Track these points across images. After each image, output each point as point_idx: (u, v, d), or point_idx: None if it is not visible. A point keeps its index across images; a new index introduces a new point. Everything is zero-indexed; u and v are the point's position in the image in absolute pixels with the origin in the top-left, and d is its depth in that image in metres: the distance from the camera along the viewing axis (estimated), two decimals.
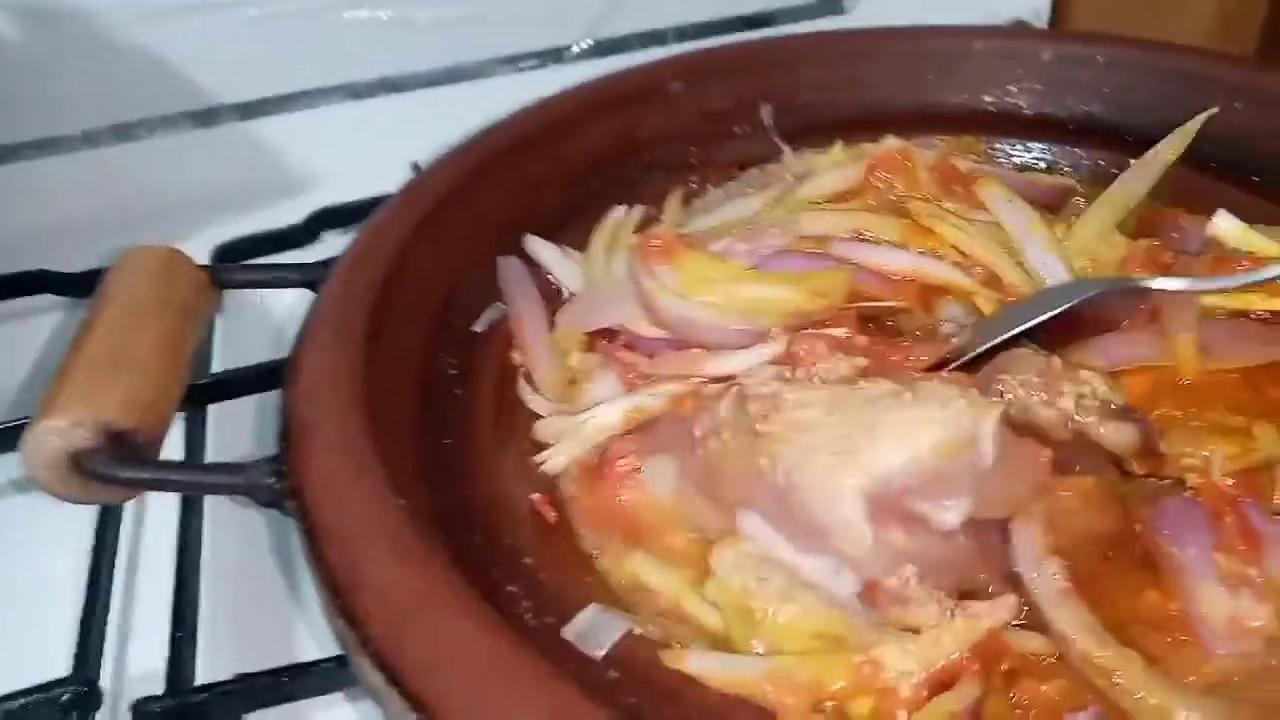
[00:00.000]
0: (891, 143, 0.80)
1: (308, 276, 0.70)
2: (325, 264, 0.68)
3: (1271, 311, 0.65)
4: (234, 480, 0.53)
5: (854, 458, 0.51)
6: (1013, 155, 0.86)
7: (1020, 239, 0.67)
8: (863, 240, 0.69)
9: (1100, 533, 0.53)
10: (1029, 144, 0.86)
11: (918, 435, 0.50)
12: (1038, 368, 0.54)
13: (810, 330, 0.59)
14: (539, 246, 0.73)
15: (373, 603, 0.44)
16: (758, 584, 0.51)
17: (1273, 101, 0.78)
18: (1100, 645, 0.49)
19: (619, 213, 0.77)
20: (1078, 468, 0.54)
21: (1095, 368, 0.57)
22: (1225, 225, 0.65)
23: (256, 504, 0.53)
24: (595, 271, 0.71)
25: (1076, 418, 0.54)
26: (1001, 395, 0.54)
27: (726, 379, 0.60)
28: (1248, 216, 0.72)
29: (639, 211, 0.77)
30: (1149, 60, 0.84)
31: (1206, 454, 0.54)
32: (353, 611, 0.45)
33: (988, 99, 0.88)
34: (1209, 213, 0.75)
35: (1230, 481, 0.53)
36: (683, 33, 1.23)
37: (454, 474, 0.58)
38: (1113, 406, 0.54)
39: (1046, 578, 0.50)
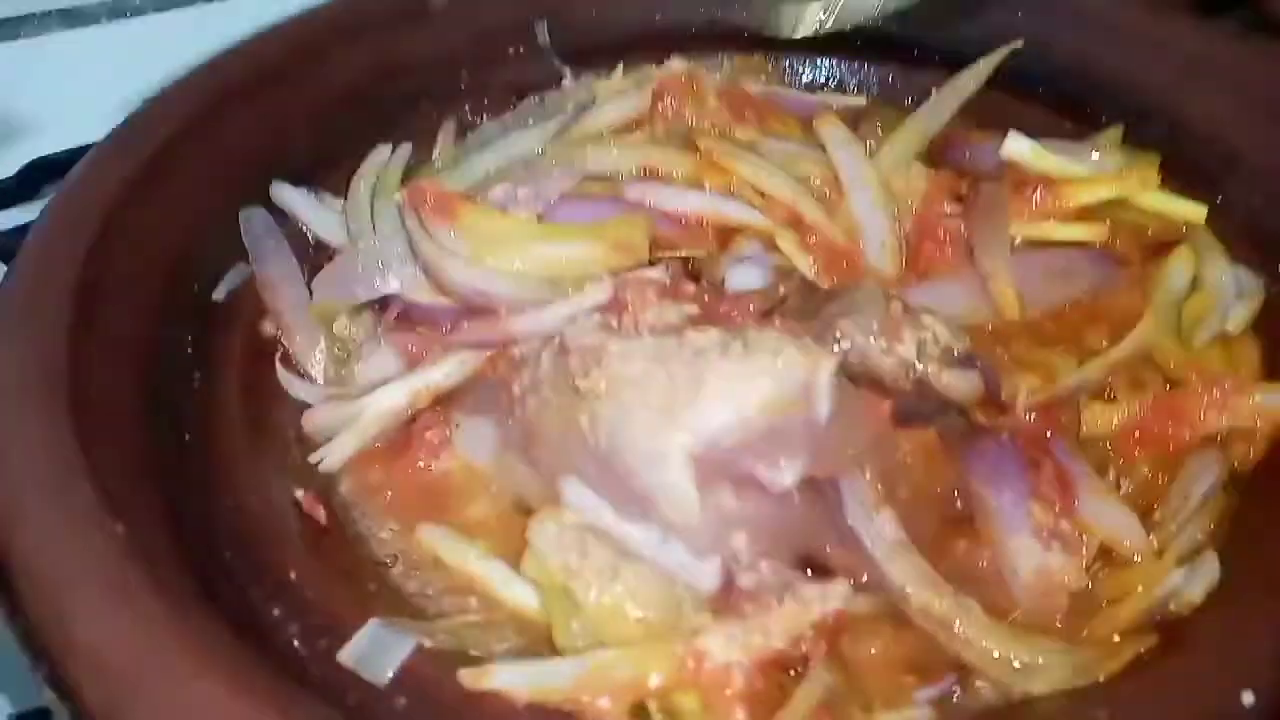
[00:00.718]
0: (677, 65, 0.74)
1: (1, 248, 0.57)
2: (19, 231, 0.57)
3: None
4: None
5: (679, 416, 0.46)
6: (802, 73, 0.82)
7: (850, 186, 0.63)
8: (653, 180, 0.62)
9: (938, 482, 0.50)
10: (818, 61, 0.82)
11: (748, 390, 0.46)
12: (878, 312, 0.50)
13: (636, 275, 0.53)
14: (289, 195, 0.63)
15: (87, 669, 0.36)
16: (580, 560, 0.46)
17: (1055, 8, 0.77)
18: (939, 596, 0.46)
19: (383, 153, 0.67)
20: (917, 418, 0.51)
21: (935, 312, 0.53)
22: (1018, 147, 0.63)
23: None
24: (360, 225, 0.61)
25: (918, 365, 0.50)
26: (838, 342, 0.50)
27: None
28: (1031, 129, 0.71)
29: (406, 151, 0.67)
30: None
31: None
32: (63, 682, 0.36)
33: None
34: (996, 128, 0.74)
35: (1033, 417, 0.52)
36: None
37: (196, 478, 0.49)
38: (955, 353, 0.50)
39: (879, 530, 0.47)
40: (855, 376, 0.50)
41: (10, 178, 0.85)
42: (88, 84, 0.94)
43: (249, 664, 0.38)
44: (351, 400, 0.54)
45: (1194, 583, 0.46)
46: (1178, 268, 0.62)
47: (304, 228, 0.64)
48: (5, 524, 0.40)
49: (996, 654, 0.45)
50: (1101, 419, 0.55)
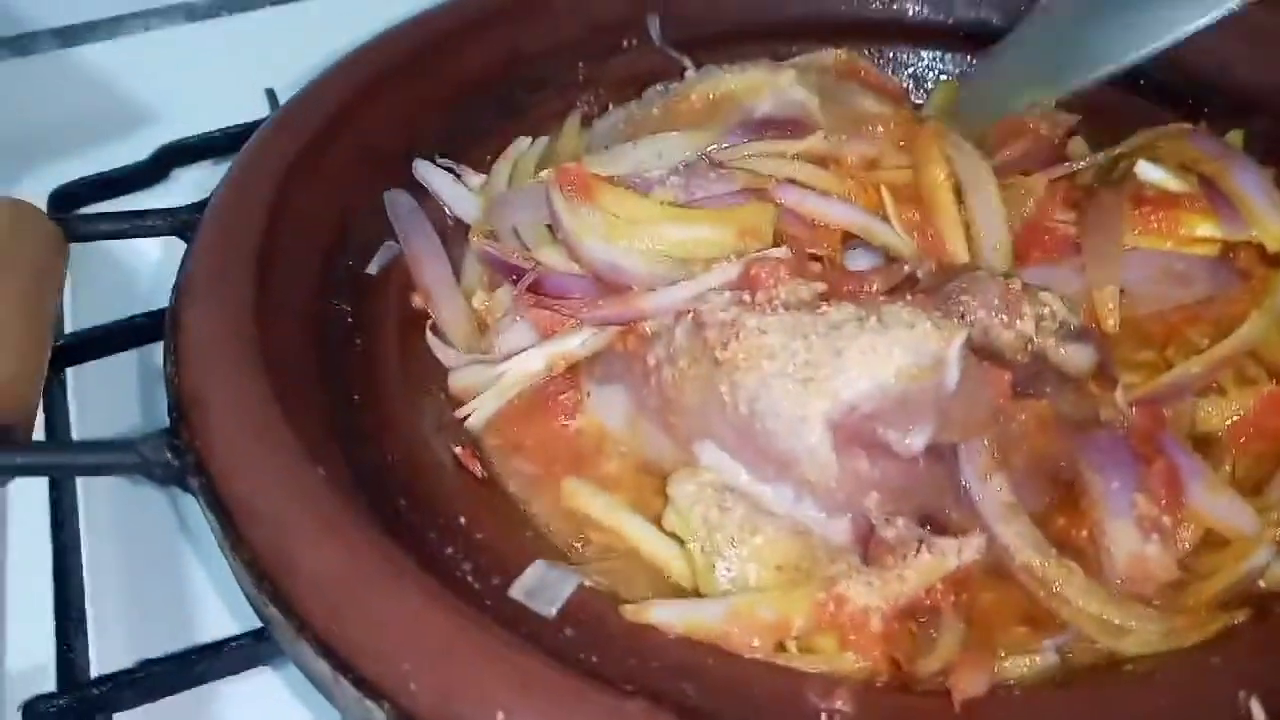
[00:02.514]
0: (830, 55, 0.77)
1: (174, 223, 0.63)
2: (194, 208, 0.62)
3: None
4: (125, 459, 0.47)
5: (820, 385, 0.49)
6: (904, 63, 0.85)
7: (968, 189, 0.64)
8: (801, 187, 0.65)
9: (1051, 454, 0.53)
10: (919, 50, 0.85)
11: (886, 360, 0.49)
12: (999, 290, 0.53)
13: (764, 254, 0.56)
14: (430, 173, 0.68)
15: (309, 587, 0.40)
16: (720, 514, 0.50)
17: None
18: (1042, 557, 0.50)
19: (522, 144, 0.72)
20: (1033, 390, 0.54)
21: (1051, 289, 0.56)
22: (1152, 174, 0.64)
23: (152, 482, 0.47)
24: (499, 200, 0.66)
25: (1036, 339, 0.53)
26: (963, 318, 0.53)
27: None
28: (1132, 120, 0.73)
29: (542, 144, 0.72)
30: None
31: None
32: (288, 598, 0.40)
33: (875, 5, 0.87)
34: (1100, 120, 0.76)
35: (1142, 413, 0.55)
36: None
37: (367, 434, 0.53)
38: (1071, 327, 0.53)
39: (991, 493, 0.50)
40: (977, 349, 0.52)
41: (144, 161, 0.91)
42: (209, 74, 1.01)
43: (438, 592, 0.42)
44: (493, 365, 0.58)
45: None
46: None
47: (445, 206, 0.68)
48: (223, 470, 0.45)
49: (1092, 614, 0.48)
50: (1215, 415, 0.57)
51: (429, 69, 0.73)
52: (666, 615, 0.46)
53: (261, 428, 0.46)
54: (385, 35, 0.74)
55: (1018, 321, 0.53)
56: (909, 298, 0.53)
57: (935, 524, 0.51)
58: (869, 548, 0.48)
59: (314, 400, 0.52)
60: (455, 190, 0.68)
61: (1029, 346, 0.53)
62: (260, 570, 0.42)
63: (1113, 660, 0.48)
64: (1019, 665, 0.47)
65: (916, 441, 0.49)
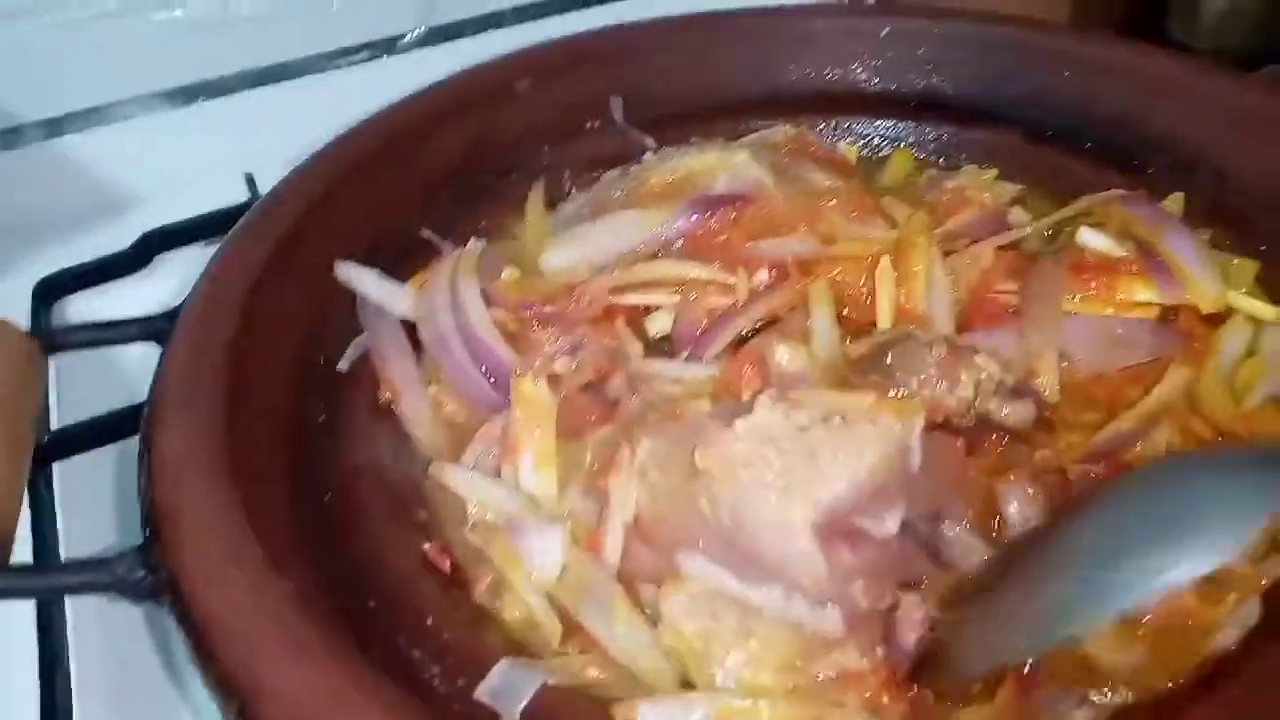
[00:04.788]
0: (781, 133, 0.80)
1: (149, 330, 0.65)
2: (168, 315, 0.64)
3: None
4: (99, 579, 0.49)
5: (800, 490, 0.51)
6: (860, 133, 0.88)
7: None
8: None
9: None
10: (874, 121, 0.88)
11: (858, 459, 0.51)
12: (935, 358, 0.56)
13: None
14: (355, 274, 0.68)
15: (275, 707, 0.42)
16: (714, 623, 0.51)
17: (1099, 66, 0.82)
18: None
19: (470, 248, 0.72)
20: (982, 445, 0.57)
21: (982, 348, 0.59)
22: (1094, 241, 0.67)
23: (128, 601, 0.49)
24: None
25: (978, 404, 0.55)
26: (907, 395, 0.55)
27: None
28: (1080, 183, 0.76)
29: (479, 246, 0.72)
30: (979, 33, 0.86)
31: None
32: (256, 718, 0.42)
33: (832, 78, 0.89)
34: (1049, 184, 0.79)
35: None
36: (522, 12, 1.19)
37: (338, 534, 0.55)
38: (1008, 386, 0.56)
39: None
40: (927, 421, 0.54)
41: (127, 248, 0.93)
42: (190, 159, 1.03)
43: (404, 702, 0.44)
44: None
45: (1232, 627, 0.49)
46: (1233, 333, 0.65)
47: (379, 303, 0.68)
48: (192, 587, 0.47)
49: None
50: None
51: (398, 161, 0.76)
52: (654, 715, 0.47)
53: (230, 542, 0.48)
54: (353, 130, 0.77)
55: (957, 388, 0.55)
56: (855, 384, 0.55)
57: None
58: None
59: (284, 507, 0.54)
60: (384, 287, 0.68)
61: (971, 410, 0.55)
62: (229, 689, 0.43)
63: None
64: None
65: (891, 524, 0.51)
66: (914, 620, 0.49)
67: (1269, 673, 0.46)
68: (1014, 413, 0.56)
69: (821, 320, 0.62)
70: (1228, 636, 0.49)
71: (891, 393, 0.55)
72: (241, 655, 0.44)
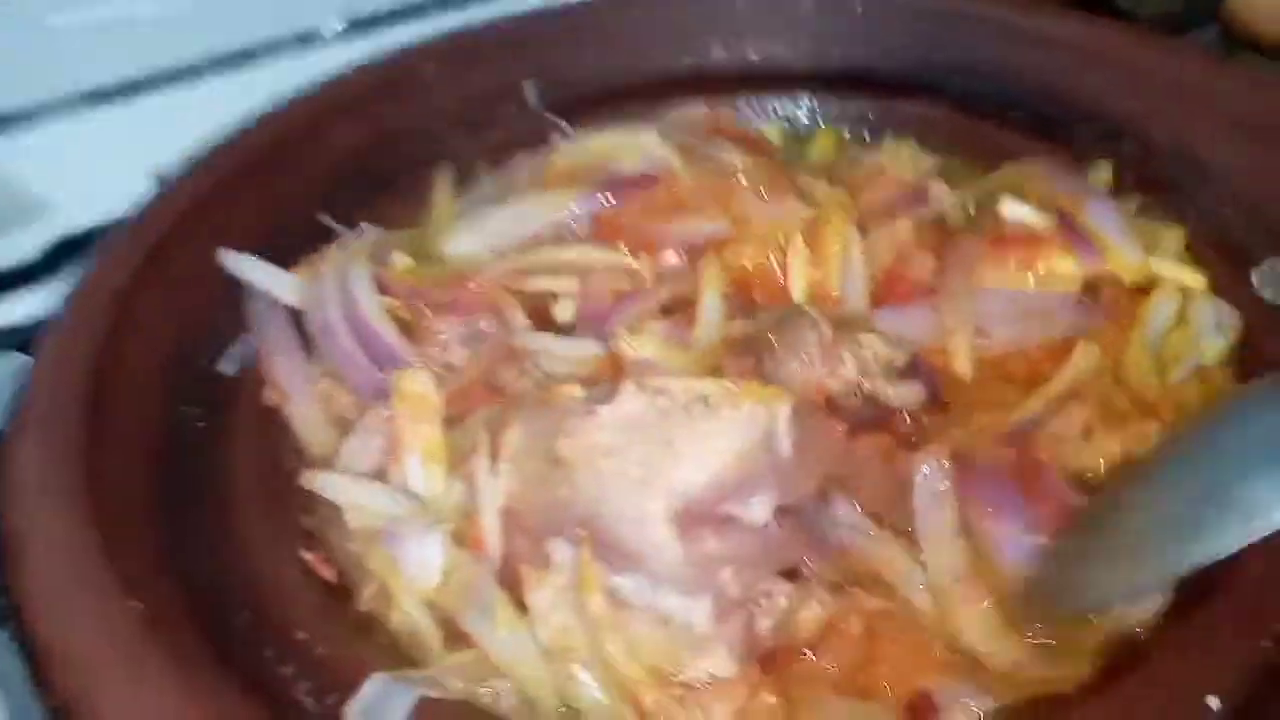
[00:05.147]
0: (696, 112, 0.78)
1: (19, 340, 0.61)
2: (38, 326, 0.60)
3: None
4: None
5: (657, 480, 0.49)
6: (785, 112, 0.85)
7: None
8: None
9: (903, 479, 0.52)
10: (800, 98, 0.85)
11: (716, 447, 0.49)
12: (815, 341, 0.53)
13: None
14: (239, 262, 0.64)
15: None
16: (578, 617, 0.49)
17: (1026, 39, 0.79)
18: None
19: (363, 234, 0.69)
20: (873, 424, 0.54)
21: (874, 327, 0.56)
22: (1017, 211, 0.64)
23: None
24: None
25: (864, 384, 0.53)
26: (785, 376, 0.53)
27: None
28: (1009, 153, 0.73)
29: (373, 232, 0.69)
30: (906, 2, 0.84)
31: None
32: None
33: (755, 57, 0.86)
34: (977, 155, 0.76)
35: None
36: (444, 1, 1.16)
37: (211, 550, 0.51)
38: (896, 365, 0.53)
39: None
40: (809, 403, 0.52)
41: (35, 256, 0.89)
42: (100, 163, 0.99)
43: None
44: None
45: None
46: (1160, 304, 0.63)
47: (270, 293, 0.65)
48: (32, 613, 0.44)
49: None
50: (1088, 454, 0.56)
51: (292, 156, 0.72)
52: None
53: (77, 564, 0.45)
54: (244, 127, 0.73)
55: (840, 369, 0.52)
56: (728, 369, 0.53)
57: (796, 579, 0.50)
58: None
59: (147, 523, 0.50)
60: (270, 275, 0.65)
61: (858, 391, 0.52)
62: (65, 717, 0.40)
63: None
64: None
65: (761, 511, 0.48)
66: (774, 607, 0.47)
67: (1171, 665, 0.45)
68: (901, 394, 0.53)
69: (709, 301, 0.59)
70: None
71: (771, 377, 0.52)
72: (79, 681, 0.41)
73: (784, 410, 0.49)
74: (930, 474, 0.50)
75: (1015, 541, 0.51)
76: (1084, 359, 0.57)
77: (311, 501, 0.57)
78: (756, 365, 0.53)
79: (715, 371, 0.53)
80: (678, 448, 0.48)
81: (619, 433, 0.49)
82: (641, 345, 0.53)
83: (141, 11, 1.03)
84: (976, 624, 0.48)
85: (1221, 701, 0.43)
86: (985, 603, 0.49)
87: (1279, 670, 0.44)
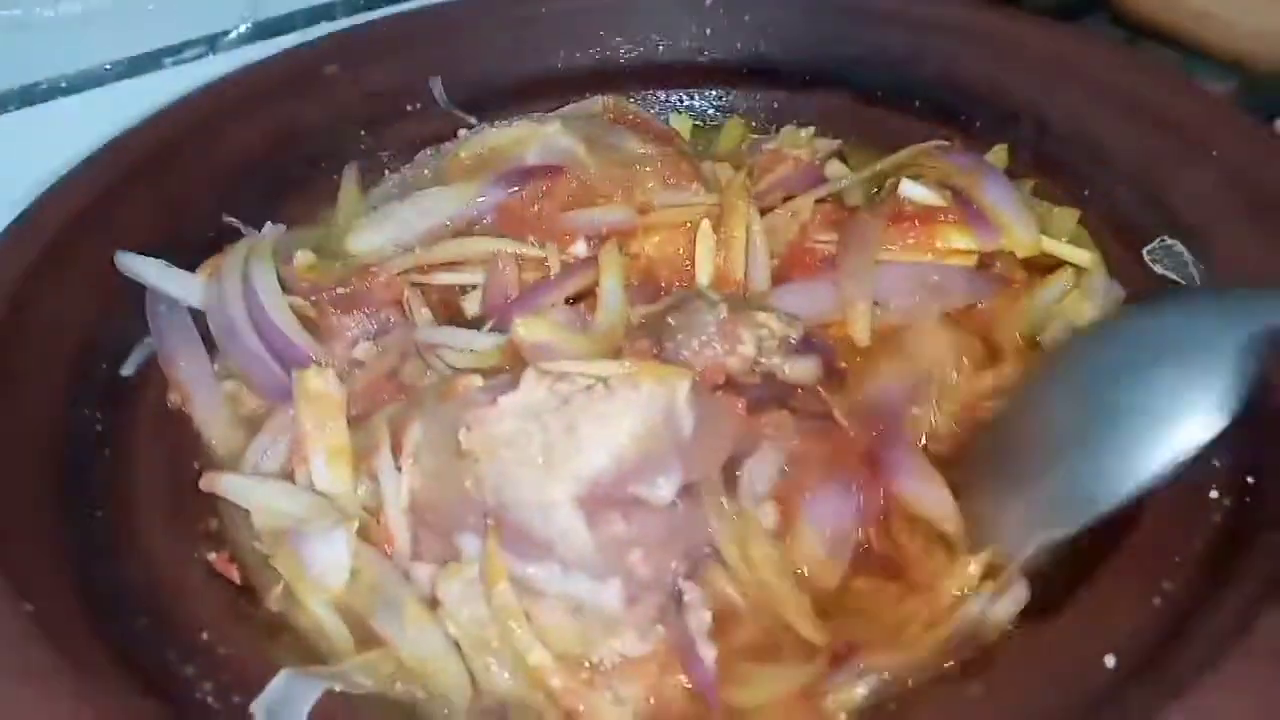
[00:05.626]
0: (599, 103, 0.77)
1: None
2: None
3: None
4: None
5: (560, 466, 0.48)
6: (691, 106, 0.86)
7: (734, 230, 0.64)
8: None
9: (810, 451, 0.54)
10: (705, 92, 0.86)
11: (617, 428, 0.49)
12: (712, 321, 0.54)
13: None
14: (139, 264, 0.63)
15: None
16: (487, 608, 0.48)
17: (925, 28, 0.81)
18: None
19: (265, 232, 0.68)
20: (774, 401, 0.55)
21: (770, 306, 0.57)
22: (913, 191, 0.65)
23: None
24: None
25: (761, 360, 0.53)
26: (684, 357, 0.53)
27: None
28: (910, 139, 0.75)
29: (275, 230, 0.68)
30: None
31: None
32: None
33: (660, 50, 0.87)
34: (877, 143, 0.77)
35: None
36: (352, 4, 1.14)
37: (108, 552, 0.50)
38: (792, 341, 0.54)
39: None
40: (709, 382, 0.53)
41: None
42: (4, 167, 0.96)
43: None
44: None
45: (1000, 605, 0.48)
46: (1054, 282, 0.64)
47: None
48: None
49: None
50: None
51: (191, 153, 0.71)
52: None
53: None
54: (143, 122, 0.72)
55: (739, 347, 0.53)
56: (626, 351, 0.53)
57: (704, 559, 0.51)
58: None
59: (41, 525, 0.49)
60: (169, 276, 0.63)
61: (756, 368, 0.53)
62: None
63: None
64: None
65: (666, 490, 0.48)
66: (699, 614, 0.48)
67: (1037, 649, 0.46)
68: (797, 369, 0.54)
69: (609, 286, 0.59)
70: (1000, 615, 0.48)
71: (672, 357, 0.53)
72: None
73: (683, 388, 0.49)
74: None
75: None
76: (922, 340, 0.59)
77: (216, 503, 0.56)
78: (656, 348, 0.53)
79: (615, 356, 0.53)
80: (579, 432, 0.48)
81: (520, 421, 0.49)
82: (535, 329, 0.53)
83: (41, 16, 1.00)
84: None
85: (1117, 659, 0.44)
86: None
87: (1170, 627, 0.45)
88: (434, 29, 0.84)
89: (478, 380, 0.53)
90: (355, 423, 0.56)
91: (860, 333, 0.60)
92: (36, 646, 0.41)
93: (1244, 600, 0.44)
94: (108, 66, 1.05)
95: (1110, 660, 0.44)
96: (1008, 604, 0.48)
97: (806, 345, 0.55)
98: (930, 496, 0.53)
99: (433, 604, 0.50)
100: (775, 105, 0.84)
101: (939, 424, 0.57)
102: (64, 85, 1.05)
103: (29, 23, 1.01)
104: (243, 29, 1.10)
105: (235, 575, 0.52)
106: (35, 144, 0.98)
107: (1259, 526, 0.47)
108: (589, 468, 0.47)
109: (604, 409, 0.48)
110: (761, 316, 0.55)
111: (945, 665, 0.46)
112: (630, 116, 0.74)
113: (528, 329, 0.53)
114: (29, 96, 1.04)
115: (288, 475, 0.56)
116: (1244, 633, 0.40)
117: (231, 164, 0.72)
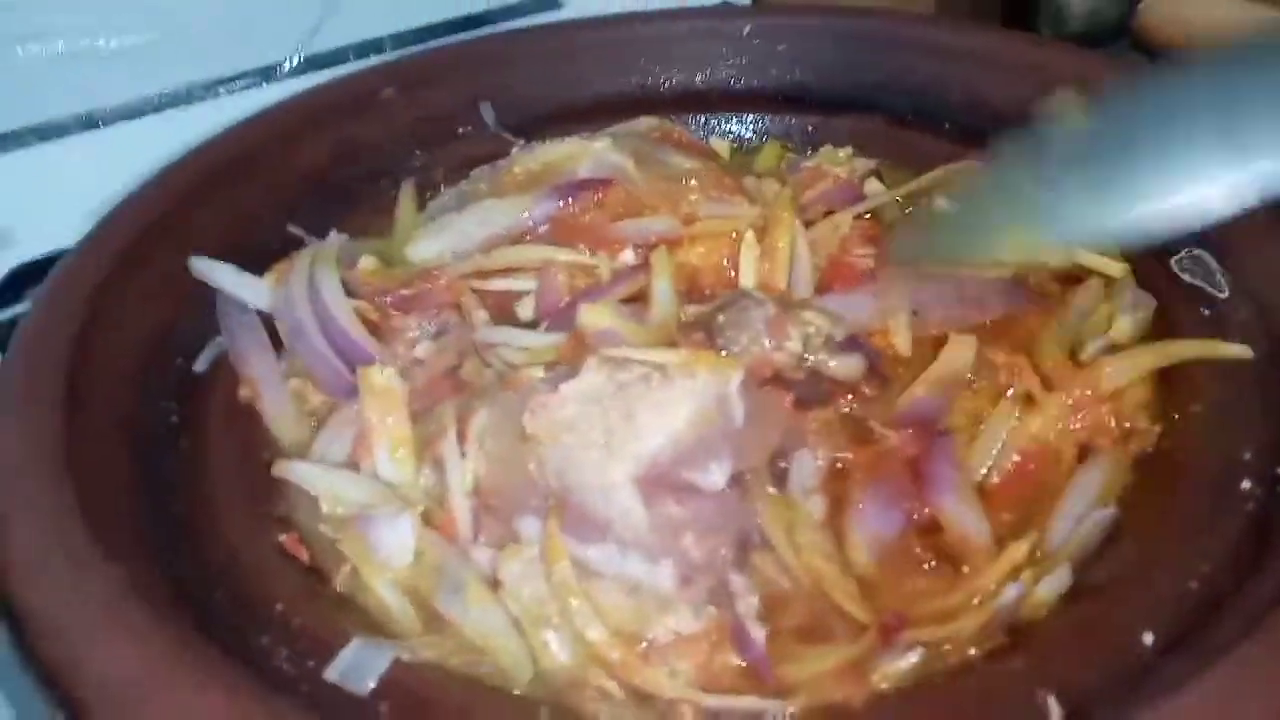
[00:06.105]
0: (644, 123, 0.81)
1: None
2: (12, 323, 0.61)
3: None
4: None
5: (620, 448, 0.51)
6: (726, 129, 0.89)
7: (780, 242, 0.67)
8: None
9: (856, 453, 0.56)
10: (742, 116, 0.89)
11: (674, 413, 0.51)
12: (761, 318, 0.56)
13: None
14: (211, 269, 0.66)
15: (96, 691, 0.40)
16: (549, 588, 0.51)
17: (947, 51, 0.84)
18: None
19: (330, 240, 0.72)
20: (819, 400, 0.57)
21: (815, 306, 0.59)
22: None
23: None
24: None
25: (807, 357, 0.56)
26: (735, 351, 0.56)
27: None
28: (940, 160, 0.78)
29: (339, 238, 0.72)
30: (837, 26, 0.89)
31: None
32: (75, 704, 0.40)
33: (699, 78, 0.91)
34: (910, 164, 0.80)
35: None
36: (401, 39, 1.19)
37: (186, 533, 0.53)
38: (837, 340, 0.56)
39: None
40: (757, 377, 0.55)
41: None
42: (62, 193, 1.00)
43: (243, 682, 0.42)
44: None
45: (1043, 586, 0.50)
46: (1086, 291, 0.66)
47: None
48: (16, 584, 0.45)
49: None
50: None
51: (259, 167, 0.75)
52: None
53: (58, 536, 0.46)
54: (213, 138, 0.76)
55: (786, 343, 0.55)
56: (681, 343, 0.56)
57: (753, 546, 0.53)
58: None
59: (126, 503, 0.52)
60: (240, 280, 0.67)
61: (803, 364, 0.55)
62: (47, 678, 0.41)
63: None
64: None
65: (718, 476, 0.51)
66: (747, 599, 0.50)
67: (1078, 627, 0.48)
68: (842, 365, 0.57)
69: (660, 285, 0.62)
70: (1042, 595, 0.50)
71: (722, 351, 0.56)
72: (61, 644, 0.42)
73: (735, 377, 0.52)
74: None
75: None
76: (963, 347, 0.61)
77: (286, 489, 0.58)
78: (707, 342, 0.56)
79: (671, 347, 0.56)
80: (638, 418, 0.51)
81: (581, 406, 0.52)
82: (598, 315, 0.56)
83: (102, 46, 1.05)
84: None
85: (1155, 635, 0.46)
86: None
87: (1205, 606, 0.47)
88: (484, 57, 0.88)
89: (539, 372, 0.55)
90: (416, 417, 0.59)
91: (902, 342, 0.62)
92: (125, 606, 0.43)
93: (1276, 582, 0.46)
94: (166, 94, 1.11)
95: (1148, 637, 0.46)
96: (1051, 584, 0.49)
97: (851, 344, 0.58)
98: (968, 519, 0.54)
99: (494, 585, 0.52)
100: (810, 129, 0.88)
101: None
102: (124, 112, 1.10)
103: (94, 53, 1.06)
104: (295, 60, 1.15)
105: (305, 556, 0.55)
106: (95, 168, 1.04)
107: None
108: (647, 450, 0.50)
109: (662, 396, 0.51)
110: (808, 315, 0.57)
111: (989, 643, 0.48)
112: (675, 135, 0.77)
113: (592, 315, 0.56)
114: (90, 122, 1.09)
115: (353, 467, 0.59)
116: (1277, 609, 0.42)
117: (295, 179, 0.76)
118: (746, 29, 0.90)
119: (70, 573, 0.44)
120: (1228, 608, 0.45)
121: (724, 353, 0.56)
